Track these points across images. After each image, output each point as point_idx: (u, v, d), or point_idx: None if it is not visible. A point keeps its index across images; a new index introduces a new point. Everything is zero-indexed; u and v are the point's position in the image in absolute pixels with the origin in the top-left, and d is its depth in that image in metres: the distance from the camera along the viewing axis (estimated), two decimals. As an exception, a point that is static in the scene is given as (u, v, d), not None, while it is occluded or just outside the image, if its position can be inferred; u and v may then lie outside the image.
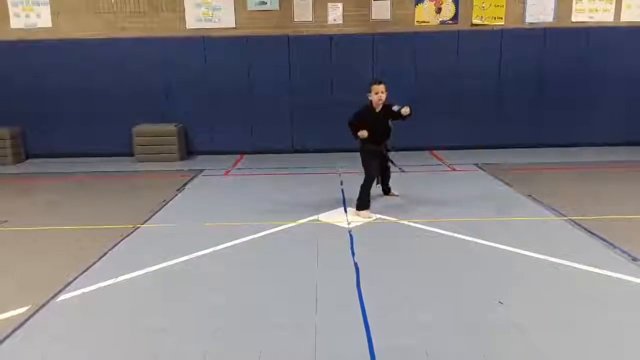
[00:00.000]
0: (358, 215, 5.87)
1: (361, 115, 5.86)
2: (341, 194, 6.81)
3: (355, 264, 4.47)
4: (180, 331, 3.40)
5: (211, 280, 4.24)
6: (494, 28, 9.87)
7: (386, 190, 6.66)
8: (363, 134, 5.75)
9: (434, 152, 9.99)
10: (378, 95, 5.72)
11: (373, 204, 6.14)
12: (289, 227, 5.54)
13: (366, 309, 3.64)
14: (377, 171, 6.13)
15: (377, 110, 5.83)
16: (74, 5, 9.81)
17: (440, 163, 9.03)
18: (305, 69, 9.88)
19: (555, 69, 9.90)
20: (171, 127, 9.66)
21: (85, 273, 4.39)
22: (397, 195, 6.64)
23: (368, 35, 9.82)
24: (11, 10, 9.86)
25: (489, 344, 3.17)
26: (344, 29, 9.87)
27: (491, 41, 9.84)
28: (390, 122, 5.94)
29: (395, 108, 5.77)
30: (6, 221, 6.02)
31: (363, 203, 5.91)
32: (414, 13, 9.88)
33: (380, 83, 5.76)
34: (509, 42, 9.82)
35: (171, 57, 9.83)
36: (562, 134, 10.09)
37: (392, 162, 6.35)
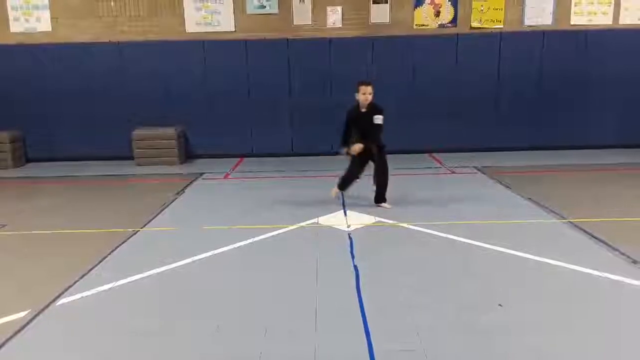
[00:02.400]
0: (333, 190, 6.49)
1: (350, 114, 6.14)
2: (341, 197, 6.81)
3: (355, 267, 4.47)
4: (180, 334, 3.40)
5: (211, 284, 4.23)
6: (493, 31, 9.90)
7: (378, 199, 6.37)
8: (355, 149, 6.04)
9: (433, 154, 10.01)
10: (365, 95, 5.92)
11: (372, 208, 6.23)
12: (288, 230, 5.53)
13: (366, 312, 3.64)
14: (359, 170, 6.33)
15: (363, 110, 6.03)
16: (74, 10, 9.84)
17: (440, 166, 9.04)
18: (305, 72, 9.90)
19: (554, 72, 9.92)
20: (171, 131, 9.67)
21: (85, 277, 4.38)
22: (388, 208, 6.27)
23: (367, 38, 9.84)
24: (11, 15, 9.88)
25: (489, 346, 3.17)
26: (342, 32, 9.89)
27: (490, 44, 9.86)
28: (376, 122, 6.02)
29: (376, 119, 5.96)
30: (5, 225, 6.02)
31: (340, 185, 6.48)
32: (413, 16, 9.91)
33: (368, 84, 5.94)
34: (507, 45, 9.85)
35: (171, 60, 9.85)
36: (561, 137, 10.11)
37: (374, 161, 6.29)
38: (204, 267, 4.60)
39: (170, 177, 8.59)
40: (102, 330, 3.50)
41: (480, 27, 9.93)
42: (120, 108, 9.90)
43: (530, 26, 9.94)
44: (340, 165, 8.80)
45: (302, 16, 9.88)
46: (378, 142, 6.13)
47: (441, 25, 9.94)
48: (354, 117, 6.10)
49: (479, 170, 8.52)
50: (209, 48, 9.87)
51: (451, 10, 9.87)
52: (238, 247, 5.05)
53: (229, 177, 8.60)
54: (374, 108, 5.99)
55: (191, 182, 8.09)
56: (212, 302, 3.87)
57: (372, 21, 9.91)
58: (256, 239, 5.26)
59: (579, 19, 9.95)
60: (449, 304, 3.76)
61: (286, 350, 3.18)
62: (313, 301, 3.83)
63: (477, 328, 3.40)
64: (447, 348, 3.17)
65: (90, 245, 5.20)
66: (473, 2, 9.84)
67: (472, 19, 9.91)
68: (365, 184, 7.28)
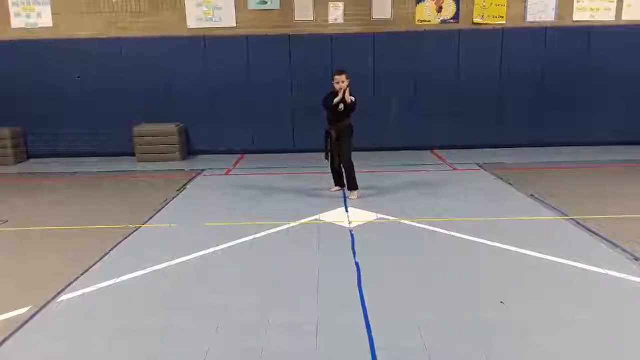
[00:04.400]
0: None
1: (327, 98, 6.47)
2: (342, 194, 6.80)
3: (357, 264, 4.46)
4: (181, 331, 3.40)
5: (212, 280, 4.23)
6: (495, 27, 9.86)
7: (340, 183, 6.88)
8: (336, 100, 6.30)
9: (435, 151, 9.98)
10: (339, 84, 6.28)
11: (374, 205, 6.22)
12: (289, 227, 5.53)
13: (367, 309, 3.63)
14: (327, 146, 6.65)
15: (340, 96, 6.36)
16: (75, 5, 9.81)
17: (442, 162, 9.02)
18: (306, 68, 9.87)
19: (556, 68, 9.88)
20: (172, 127, 9.66)
21: (86, 273, 4.38)
22: (352, 199, 6.56)
23: (369, 34, 9.81)
24: (12, 10, 9.86)
25: (490, 344, 3.17)
26: (344, 28, 9.86)
27: (492, 40, 9.82)
28: (341, 107, 6.34)
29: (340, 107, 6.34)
30: (7, 221, 6.02)
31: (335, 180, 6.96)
32: (415, 12, 9.87)
33: (340, 73, 6.30)
34: (509, 41, 9.81)
35: (172, 56, 9.83)
36: (563, 133, 10.08)
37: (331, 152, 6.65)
38: (205, 263, 4.60)
39: (171, 174, 8.59)
40: (103, 327, 3.50)
41: (482, 23, 9.89)
42: (121, 104, 9.89)
43: (533, 22, 9.89)
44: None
45: (303, 12, 9.84)
46: (338, 124, 6.47)
47: (443, 21, 9.89)
48: (329, 102, 6.44)
49: (480, 167, 8.50)
50: (210, 44, 9.84)
51: (453, 5, 9.83)
52: (239, 243, 5.05)
53: (230, 173, 8.59)
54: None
55: (192, 179, 8.09)
56: (213, 298, 3.87)
57: (373, 17, 9.86)
58: (257, 235, 5.25)
59: (581, 15, 9.91)
60: (451, 300, 3.75)
61: (287, 346, 3.18)
62: (314, 297, 3.82)
63: (479, 325, 3.39)
64: (448, 345, 3.17)
65: (91, 242, 5.19)
66: (475, -2, 9.81)
67: (474, 15, 9.87)
68: (365, 181, 7.29)
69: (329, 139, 6.61)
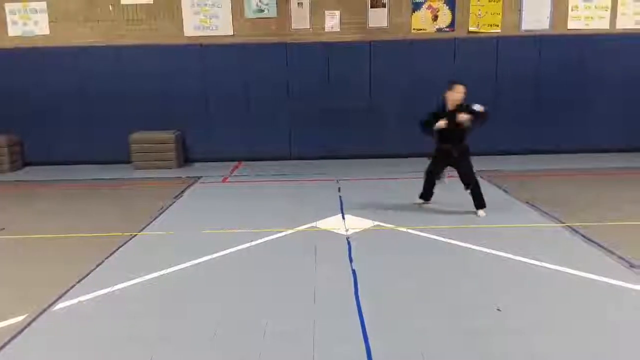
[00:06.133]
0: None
1: (437, 114, 6.14)
2: (339, 201, 6.81)
3: (353, 271, 4.46)
4: (178, 339, 3.39)
5: (209, 288, 4.23)
6: (490, 35, 9.92)
7: (477, 206, 6.24)
8: (441, 124, 6.01)
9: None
10: (460, 94, 6.01)
11: (371, 212, 6.25)
12: (287, 234, 5.53)
13: (364, 316, 3.64)
14: (438, 169, 6.42)
15: (451, 109, 6.06)
16: (72, 13, 9.83)
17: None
18: (303, 76, 9.90)
19: (551, 76, 9.94)
20: (169, 135, 9.66)
21: (83, 281, 4.37)
22: (483, 215, 6.14)
23: (365, 42, 9.86)
24: (9, 18, 9.87)
25: (487, 349, 3.17)
26: (341, 36, 9.91)
27: (487, 48, 9.88)
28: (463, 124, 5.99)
29: (475, 107, 5.98)
30: (3, 229, 6.00)
31: (423, 193, 6.57)
32: (411, 21, 9.93)
33: (460, 84, 6.08)
34: (505, 50, 9.87)
35: (169, 64, 9.84)
36: (559, 141, 10.11)
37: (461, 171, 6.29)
38: (201, 271, 4.59)
39: (168, 181, 8.58)
40: (100, 334, 3.49)
41: (477, 32, 9.96)
42: (119, 112, 9.89)
43: (528, 30, 9.96)
44: (340, 169, 8.85)
45: (300, 20, 9.89)
46: (460, 143, 6.19)
47: (439, 30, 9.96)
48: (443, 116, 6.10)
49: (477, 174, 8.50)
50: (207, 52, 9.86)
51: (449, 14, 9.89)
52: (236, 251, 5.05)
53: (228, 181, 8.59)
54: (465, 109, 6.03)
55: (189, 186, 8.08)
56: (210, 306, 3.87)
57: (370, 25, 9.92)
58: (254, 242, 5.26)
59: (576, 23, 9.98)
60: (448, 307, 3.76)
61: (285, 354, 3.18)
62: (311, 305, 3.82)
63: (476, 332, 3.40)
64: (446, 351, 3.17)
65: (87, 250, 5.18)
66: (471, 7, 9.87)
67: (469, 24, 9.93)
68: (362, 189, 7.30)
69: (443, 159, 6.28)
